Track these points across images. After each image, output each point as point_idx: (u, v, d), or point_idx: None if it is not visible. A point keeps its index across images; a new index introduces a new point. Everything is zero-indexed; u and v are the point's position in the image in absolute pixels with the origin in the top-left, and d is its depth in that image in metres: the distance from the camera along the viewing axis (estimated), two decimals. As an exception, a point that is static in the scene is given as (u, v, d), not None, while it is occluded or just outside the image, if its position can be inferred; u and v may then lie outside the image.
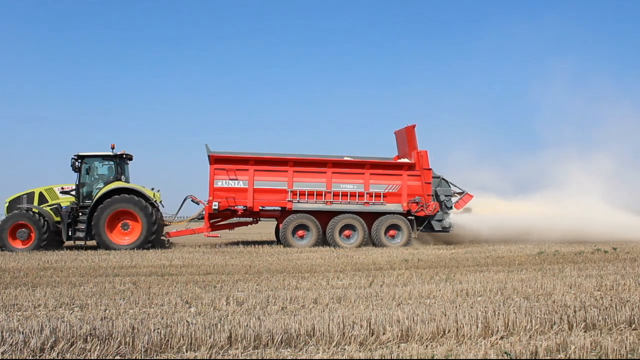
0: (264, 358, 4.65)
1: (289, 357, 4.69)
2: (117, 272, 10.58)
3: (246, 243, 18.99)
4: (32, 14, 78.53)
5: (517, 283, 8.58)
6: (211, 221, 17.90)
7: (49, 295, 7.65)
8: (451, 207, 18.71)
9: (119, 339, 4.85)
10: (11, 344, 4.70)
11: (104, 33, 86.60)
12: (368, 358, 4.60)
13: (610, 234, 18.53)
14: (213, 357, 4.68)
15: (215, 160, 17.46)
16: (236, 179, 17.44)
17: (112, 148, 17.24)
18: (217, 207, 17.17)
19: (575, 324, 5.60)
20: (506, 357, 4.59)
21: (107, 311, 6.53)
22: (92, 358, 4.57)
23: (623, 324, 5.67)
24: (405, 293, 7.65)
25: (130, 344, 4.83)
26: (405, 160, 18.95)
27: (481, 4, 77.45)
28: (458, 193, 19.19)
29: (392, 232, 17.96)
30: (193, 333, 5.01)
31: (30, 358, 4.56)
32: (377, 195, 18.06)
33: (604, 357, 4.65)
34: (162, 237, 17.61)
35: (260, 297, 7.39)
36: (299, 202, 17.67)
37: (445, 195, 18.72)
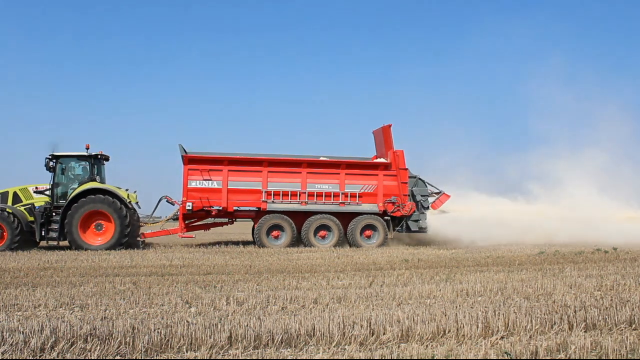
0: (264, 358, 4.65)
1: (289, 357, 4.69)
2: (117, 272, 10.58)
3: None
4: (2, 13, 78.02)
5: (518, 283, 8.58)
6: (187, 222, 17.82)
7: (49, 295, 7.65)
8: (428, 208, 18.58)
9: (119, 339, 4.85)
10: (11, 344, 4.70)
11: (78, 34, 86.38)
12: (368, 358, 4.59)
13: (609, 237, 18.26)
14: (213, 357, 4.67)
15: (189, 160, 17.40)
16: (210, 180, 17.41)
17: (87, 148, 17.17)
18: (190, 208, 17.11)
19: (575, 324, 5.60)
20: (506, 357, 4.59)
21: (107, 311, 6.53)
22: (93, 358, 4.57)
23: (623, 324, 5.67)
24: (406, 293, 7.65)
25: (131, 344, 4.83)
26: (382, 160, 18.81)
27: (471, 3, 77.25)
28: (435, 193, 19.06)
29: (368, 232, 17.87)
30: (193, 333, 5.01)
31: (30, 358, 4.56)
32: (353, 195, 17.99)
33: (604, 357, 4.65)
34: (138, 238, 17.54)
35: (260, 297, 7.39)
36: (273, 202, 17.60)
37: (422, 196, 18.60)
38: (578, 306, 6.37)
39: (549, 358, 4.61)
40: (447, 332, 5.27)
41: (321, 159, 18.45)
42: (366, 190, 18.15)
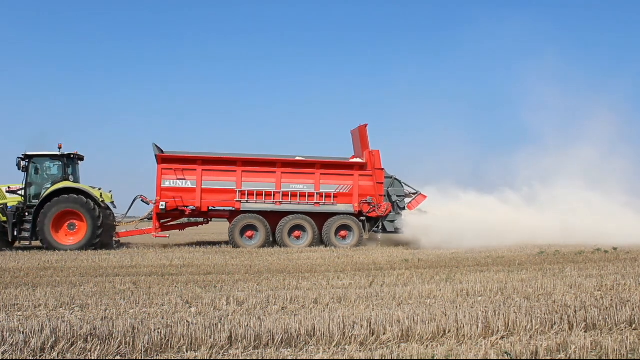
0: (264, 358, 4.65)
1: (289, 357, 4.69)
2: (118, 272, 10.58)
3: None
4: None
5: (518, 283, 8.58)
6: (162, 221, 17.74)
7: (49, 295, 7.65)
8: (404, 208, 18.45)
9: (119, 339, 4.85)
10: (12, 344, 4.70)
11: (51, 34, 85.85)
12: (368, 358, 4.59)
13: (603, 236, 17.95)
14: (213, 357, 4.67)
15: (163, 160, 17.34)
16: (184, 179, 17.33)
17: (60, 148, 17.12)
18: (164, 207, 17.05)
19: (575, 324, 5.59)
20: (506, 357, 4.59)
21: (107, 311, 6.53)
22: (93, 358, 4.57)
23: (623, 324, 5.67)
24: (406, 293, 7.65)
25: (131, 343, 4.83)
26: (358, 160, 18.67)
27: (460, 3, 76.86)
28: (412, 193, 18.94)
29: (343, 232, 17.79)
30: (193, 333, 5.01)
31: (30, 358, 4.56)
32: (328, 195, 17.90)
33: (604, 357, 4.65)
34: (113, 238, 17.49)
35: (260, 297, 7.39)
36: (247, 202, 17.53)
37: (398, 196, 18.48)
38: (578, 306, 6.37)
39: (549, 358, 4.61)
40: (447, 332, 5.27)
41: (297, 158, 18.32)
42: (341, 191, 18.04)
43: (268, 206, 17.63)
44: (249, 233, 17.42)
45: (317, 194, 17.85)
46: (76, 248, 15.96)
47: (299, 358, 4.69)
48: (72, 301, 7.20)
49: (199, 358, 4.63)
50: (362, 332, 5.14)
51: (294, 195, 17.77)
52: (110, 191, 17.96)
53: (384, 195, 18.29)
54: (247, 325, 5.30)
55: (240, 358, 4.64)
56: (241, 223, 17.37)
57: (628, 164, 23.13)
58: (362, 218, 18.08)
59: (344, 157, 19.84)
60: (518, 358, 4.59)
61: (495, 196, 20.10)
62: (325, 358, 4.64)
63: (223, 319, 5.83)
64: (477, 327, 5.32)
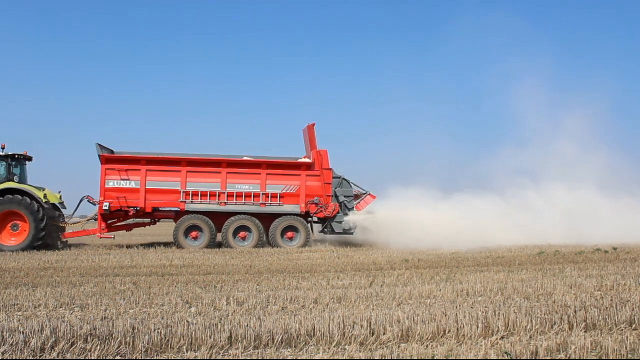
0: (264, 358, 4.65)
1: (289, 357, 4.69)
2: (117, 272, 10.58)
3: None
4: None
5: (518, 283, 8.58)
6: (108, 222, 17.65)
7: (49, 295, 7.65)
8: (352, 209, 18.26)
9: (119, 339, 4.85)
10: (11, 344, 4.70)
11: None
12: (368, 358, 4.59)
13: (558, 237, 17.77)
14: (213, 357, 4.68)
15: (106, 160, 17.28)
16: (128, 179, 17.25)
17: (3, 148, 17.07)
18: (107, 208, 16.96)
19: (575, 324, 5.60)
20: (506, 357, 4.59)
21: (107, 311, 6.53)
22: (93, 358, 4.57)
23: (623, 324, 5.67)
24: (406, 293, 7.65)
25: (131, 343, 4.83)
26: (305, 159, 18.50)
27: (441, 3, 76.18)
28: (362, 194, 18.77)
29: (289, 233, 17.67)
30: (193, 333, 5.01)
31: (30, 358, 4.56)
32: (274, 195, 17.75)
33: (604, 357, 4.65)
34: (60, 239, 17.42)
35: (260, 297, 7.39)
36: (192, 202, 17.40)
37: (345, 196, 18.28)
38: (578, 306, 6.37)
39: (549, 358, 4.61)
40: (447, 332, 5.27)
41: (244, 158, 18.19)
42: (288, 191, 17.89)
43: (213, 206, 17.47)
44: (193, 233, 17.27)
45: (262, 194, 17.67)
46: (18, 249, 15.88)
47: (299, 358, 4.69)
48: (72, 301, 7.20)
49: (198, 358, 4.63)
50: (362, 332, 5.15)
51: (239, 195, 17.60)
52: (60, 191, 17.91)
53: (332, 196, 18.09)
54: (247, 325, 5.30)
55: (240, 358, 4.64)
56: (185, 223, 17.23)
57: (602, 160, 23.31)
58: (309, 218, 17.95)
59: (295, 156, 19.52)
60: (518, 358, 4.59)
61: (456, 197, 19.66)
62: (325, 358, 4.64)
63: (223, 319, 5.83)
64: (477, 327, 5.32)
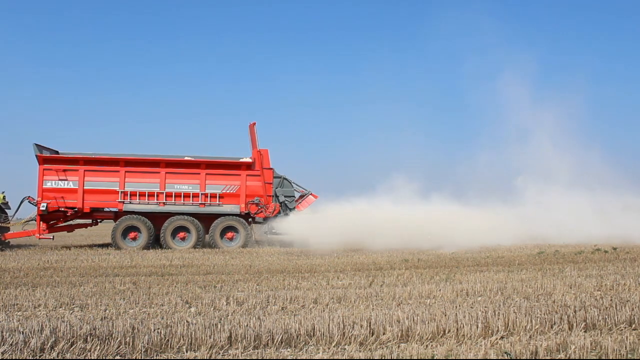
0: (264, 358, 4.65)
1: (289, 357, 4.69)
2: (117, 272, 10.58)
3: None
4: None
5: (517, 283, 8.58)
6: (50, 222, 17.55)
7: (49, 295, 7.65)
8: (293, 209, 18.17)
9: (119, 339, 4.85)
10: (11, 344, 4.70)
11: None
12: (368, 358, 4.59)
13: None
14: (213, 357, 4.68)
15: (44, 160, 17.17)
16: (66, 180, 17.14)
17: None
18: (45, 208, 16.86)
19: (575, 324, 5.60)
20: (506, 357, 4.59)
21: (107, 311, 6.53)
22: (92, 358, 4.57)
23: (623, 324, 5.67)
24: (405, 293, 7.65)
25: (131, 344, 4.83)
26: (245, 159, 18.36)
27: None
28: (304, 194, 18.64)
29: (230, 234, 17.52)
30: (193, 333, 5.01)
31: (30, 358, 4.56)
32: (214, 196, 17.62)
33: (604, 357, 4.65)
34: (1, 239, 17.36)
35: (260, 297, 7.39)
36: (130, 203, 17.28)
37: (286, 196, 18.16)
38: (578, 306, 6.37)
39: (549, 358, 4.62)
40: (447, 332, 5.27)
41: (186, 158, 18.07)
42: (228, 191, 17.77)
43: (151, 207, 17.35)
44: (132, 234, 17.15)
45: (202, 194, 17.56)
46: None
47: (299, 358, 4.69)
48: (72, 301, 7.20)
49: (198, 358, 4.63)
50: (362, 332, 5.15)
51: (178, 196, 17.48)
52: (3, 192, 17.87)
53: (273, 196, 17.99)
54: (247, 325, 5.30)
55: (240, 358, 4.64)
56: (123, 224, 17.12)
57: (581, 159, 23.45)
58: (249, 219, 17.86)
59: (237, 156, 19.32)
60: (518, 358, 4.59)
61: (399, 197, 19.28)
62: (325, 358, 4.64)
63: (223, 319, 5.83)
64: (477, 327, 5.32)
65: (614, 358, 4.64)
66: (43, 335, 4.86)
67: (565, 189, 21.25)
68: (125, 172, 17.38)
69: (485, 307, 6.45)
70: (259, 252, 15.56)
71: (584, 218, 19.85)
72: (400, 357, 4.61)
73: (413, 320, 5.49)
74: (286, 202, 18.12)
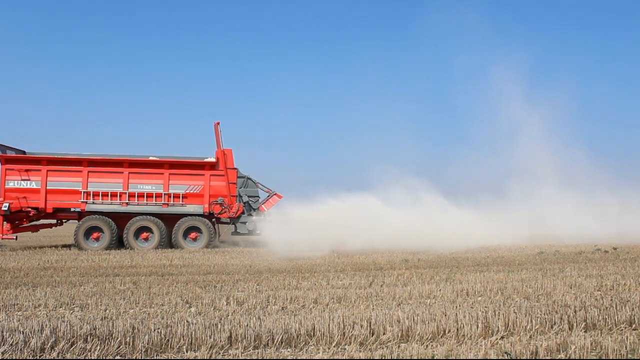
0: (264, 358, 4.65)
1: (289, 357, 4.69)
2: (117, 272, 10.59)
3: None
4: None
5: (518, 283, 8.58)
6: (15, 222, 17.45)
7: (49, 295, 7.65)
8: (257, 209, 18.10)
9: (119, 339, 4.85)
10: (11, 344, 4.70)
11: None
12: (368, 358, 4.60)
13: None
14: (213, 357, 4.68)
15: (6, 160, 17.16)
16: (28, 179, 17.10)
17: None
18: (7, 208, 16.80)
19: (575, 324, 5.60)
20: (506, 357, 4.59)
21: (107, 311, 6.53)
22: (93, 358, 4.57)
23: (623, 324, 5.68)
24: (406, 293, 7.66)
25: (131, 343, 4.83)
26: (209, 159, 18.29)
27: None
28: (270, 195, 18.52)
29: (193, 234, 17.45)
30: (193, 333, 5.01)
31: (30, 358, 4.56)
32: (177, 196, 17.55)
33: (604, 357, 4.65)
34: None
35: (260, 297, 7.39)
36: (93, 203, 17.22)
37: (250, 196, 18.07)
38: (578, 306, 6.37)
39: (549, 358, 4.62)
40: (447, 332, 5.28)
41: (150, 158, 18.02)
42: (192, 191, 17.71)
43: (114, 207, 17.31)
44: (95, 235, 17.08)
45: (165, 194, 17.49)
46: None
47: (299, 358, 4.69)
48: (72, 301, 7.20)
49: (198, 358, 4.63)
50: (362, 332, 5.15)
51: (141, 196, 17.45)
52: None
53: (237, 196, 17.95)
54: (247, 325, 5.31)
55: (240, 358, 4.64)
56: (85, 224, 17.06)
57: (568, 159, 23.55)
58: (213, 219, 17.82)
59: (201, 156, 19.20)
60: (518, 358, 4.59)
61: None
62: (325, 358, 4.64)
63: (223, 319, 5.83)
64: (477, 327, 5.33)
65: (614, 358, 4.64)
66: (43, 335, 4.86)
67: (556, 189, 21.35)
68: (89, 172, 17.35)
69: (486, 307, 6.45)
70: (259, 252, 15.56)
71: (577, 217, 19.95)
72: (401, 357, 4.61)
73: (413, 320, 5.49)
74: (250, 202, 18.05)
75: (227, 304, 6.92)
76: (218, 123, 18.20)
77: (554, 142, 24.56)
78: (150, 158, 18.05)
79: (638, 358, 4.63)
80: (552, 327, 5.51)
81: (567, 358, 4.62)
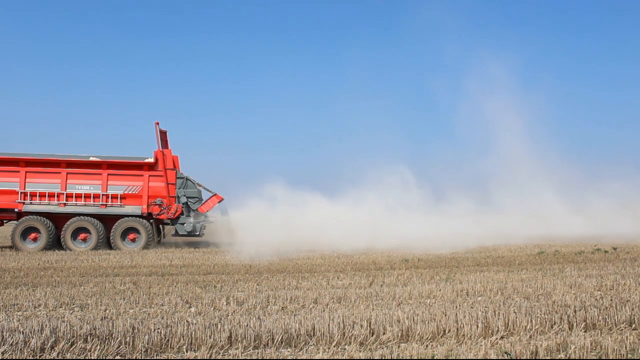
0: (264, 358, 4.65)
1: (289, 357, 4.69)
2: (117, 272, 10.59)
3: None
4: None
5: (517, 283, 8.58)
6: None
7: (49, 295, 7.65)
8: (196, 210, 17.92)
9: (119, 339, 4.85)
10: (11, 344, 4.70)
11: None
12: (368, 358, 4.60)
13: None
14: (213, 357, 4.68)
15: None
16: None
17: None
18: None
19: (575, 324, 5.60)
20: (506, 357, 4.59)
21: (107, 311, 6.53)
22: (92, 358, 4.57)
23: (623, 323, 5.68)
24: (406, 293, 7.66)
25: (131, 343, 4.83)
26: (148, 159, 18.10)
27: None
28: (211, 195, 18.39)
29: (132, 235, 17.23)
30: (193, 333, 5.01)
31: (30, 358, 4.56)
32: (115, 196, 17.40)
33: (604, 357, 4.66)
34: None
35: (260, 297, 7.39)
36: (31, 204, 17.02)
37: (188, 197, 17.89)
38: (578, 306, 6.38)
39: (549, 358, 4.62)
40: (447, 332, 5.28)
41: (91, 159, 17.83)
42: (130, 192, 17.54)
43: (52, 207, 17.14)
44: (32, 235, 16.86)
45: (103, 195, 17.34)
46: None
47: (299, 358, 4.69)
48: (72, 301, 7.20)
49: (198, 358, 4.64)
50: (362, 332, 5.15)
51: (79, 196, 17.28)
52: None
53: (176, 197, 17.81)
54: (247, 325, 5.31)
55: (240, 358, 4.64)
56: (22, 225, 16.84)
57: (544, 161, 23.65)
58: (152, 220, 17.66)
59: (142, 156, 18.85)
60: (518, 358, 4.59)
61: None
62: (325, 358, 4.64)
63: (223, 319, 5.83)
64: (477, 327, 5.33)
65: (614, 358, 4.64)
66: (43, 335, 4.86)
67: (537, 190, 21.51)
68: (26, 172, 17.18)
69: (486, 307, 6.45)
70: (259, 251, 15.55)
71: (558, 217, 20.10)
72: (401, 357, 4.61)
73: (413, 320, 5.49)
74: (189, 203, 17.88)
75: (227, 304, 6.92)
76: (157, 123, 18.05)
77: (533, 143, 24.64)
78: (91, 158, 17.87)
79: (638, 358, 4.63)
80: (552, 327, 5.51)
81: (567, 358, 4.62)
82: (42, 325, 5.21)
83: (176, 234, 17.94)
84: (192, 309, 6.65)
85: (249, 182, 19.81)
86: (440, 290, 7.90)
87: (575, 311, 6.00)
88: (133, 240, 17.22)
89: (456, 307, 6.59)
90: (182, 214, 17.69)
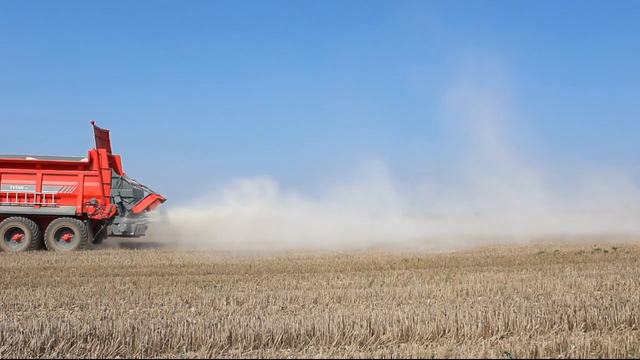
0: (264, 358, 4.65)
1: (289, 357, 4.70)
2: (117, 272, 10.59)
3: None
4: None
5: (517, 283, 8.58)
6: None
7: (49, 295, 7.65)
8: (130, 210, 17.78)
9: (119, 339, 4.85)
10: (11, 344, 4.70)
11: None
12: (368, 358, 4.60)
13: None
14: (213, 357, 4.68)
15: None
16: None
17: None
18: None
19: (575, 324, 5.60)
20: (506, 357, 4.60)
21: (107, 311, 6.53)
22: (92, 358, 4.57)
23: (623, 323, 5.68)
24: (405, 293, 7.66)
25: (131, 343, 4.83)
26: (82, 159, 17.98)
27: None
28: (147, 195, 18.40)
29: (66, 235, 17.05)
30: (193, 333, 5.01)
31: (30, 358, 4.56)
32: (49, 197, 17.23)
33: (604, 357, 4.66)
34: None
35: (260, 296, 7.39)
36: None
37: (123, 197, 17.73)
38: (578, 306, 6.38)
39: (548, 358, 4.62)
40: (447, 331, 5.28)
41: (27, 158, 17.71)
42: (65, 191, 17.38)
43: None
44: None
45: (37, 195, 17.19)
46: None
47: (299, 358, 4.69)
48: (72, 301, 7.20)
49: (198, 358, 4.64)
50: (362, 332, 5.15)
51: (12, 196, 17.12)
52: None
53: (111, 197, 17.69)
54: (247, 325, 5.31)
55: (240, 358, 4.64)
56: None
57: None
58: (85, 220, 17.53)
59: (78, 156, 18.69)
60: (518, 358, 4.59)
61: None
62: (325, 358, 4.64)
63: (223, 318, 5.83)
64: (477, 327, 5.33)
65: (614, 358, 4.64)
66: (43, 335, 4.86)
67: (523, 189, 21.65)
68: None
69: (485, 307, 6.45)
70: (259, 251, 15.56)
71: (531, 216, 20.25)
72: (400, 357, 4.61)
73: (413, 320, 5.49)
74: (123, 202, 17.75)
75: (227, 304, 6.92)
76: (93, 122, 17.94)
77: (507, 138, 24.68)
78: (28, 158, 17.74)
79: (638, 358, 4.63)
80: (551, 327, 5.51)
81: (566, 358, 4.62)
82: (42, 325, 5.21)
83: (112, 234, 17.79)
84: (192, 309, 6.65)
85: (225, 181, 19.69)
86: (440, 290, 7.90)
87: (575, 311, 6.00)
88: (67, 240, 17.00)
89: (456, 307, 6.59)
90: (116, 214, 17.49)
